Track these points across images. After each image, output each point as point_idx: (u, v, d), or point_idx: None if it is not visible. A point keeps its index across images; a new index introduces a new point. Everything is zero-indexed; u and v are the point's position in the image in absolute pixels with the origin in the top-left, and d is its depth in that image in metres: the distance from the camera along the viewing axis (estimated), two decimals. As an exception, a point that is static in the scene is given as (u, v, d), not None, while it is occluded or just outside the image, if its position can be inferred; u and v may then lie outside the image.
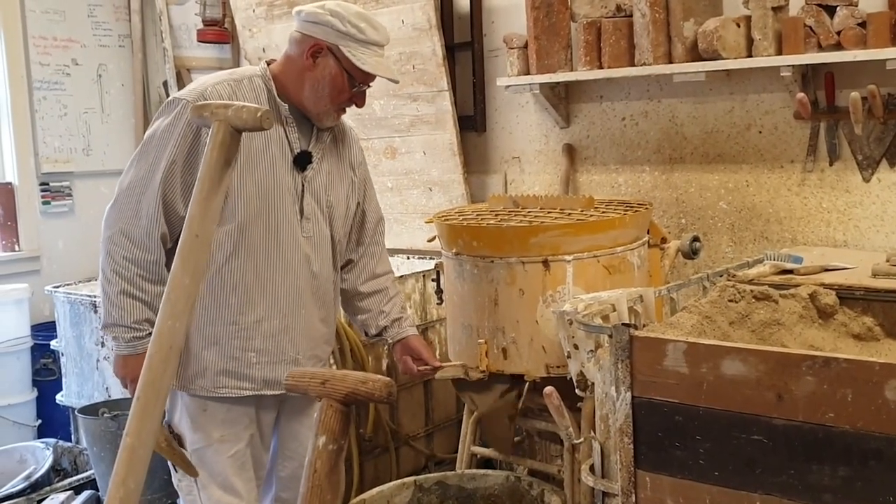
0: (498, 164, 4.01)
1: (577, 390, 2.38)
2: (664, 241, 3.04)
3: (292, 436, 2.54)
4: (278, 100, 2.32)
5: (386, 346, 3.00)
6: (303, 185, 2.35)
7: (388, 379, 1.94)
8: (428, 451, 3.74)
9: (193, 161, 2.20)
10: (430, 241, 3.01)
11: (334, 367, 3.27)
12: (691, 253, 3.11)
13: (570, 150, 3.76)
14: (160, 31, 5.07)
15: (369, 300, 2.63)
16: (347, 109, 2.42)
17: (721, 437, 1.95)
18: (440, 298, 3.01)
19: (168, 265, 2.27)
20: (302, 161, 2.34)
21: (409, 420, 3.67)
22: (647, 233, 2.93)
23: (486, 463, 3.16)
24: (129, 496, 1.46)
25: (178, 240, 2.23)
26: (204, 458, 2.34)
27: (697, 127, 3.45)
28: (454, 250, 2.82)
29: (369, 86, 2.36)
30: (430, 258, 3.29)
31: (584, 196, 2.96)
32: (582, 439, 2.33)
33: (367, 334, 2.70)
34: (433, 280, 3.02)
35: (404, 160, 4.03)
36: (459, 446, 3.04)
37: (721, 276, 2.68)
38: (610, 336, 2.17)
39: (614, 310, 2.42)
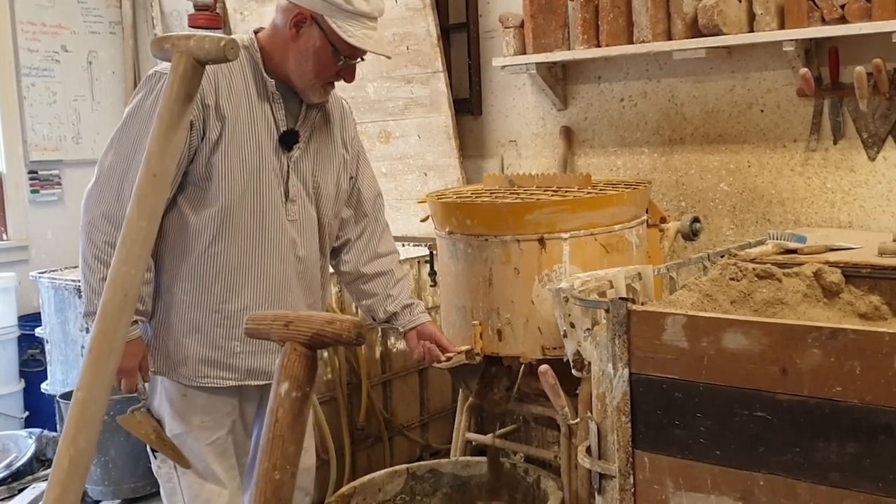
0: (494, 147, 3.94)
1: (573, 370, 2.30)
2: (663, 220, 2.96)
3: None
4: (265, 74, 2.22)
5: (397, 334, 2.86)
6: (288, 166, 2.26)
7: (357, 319, 1.84)
8: (423, 441, 3.66)
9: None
10: (423, 220, 2.92)
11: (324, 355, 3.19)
12: (691, 234, 3.03)
13: (568, 133, 3.69)
14: (151, 17, 4.99)
15: (374, 283, 2.52)
16: (337, 85, 2.31)
17: (722, 415, 1.89)
18: (433, 280, 2.92)
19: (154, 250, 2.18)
20: (288, 140, 2.24)
21: (403, 409, 3.59)
22: (646, 212, 2.85)
23: (483, 451, 3.07)
24: (80, 456, 1.36)
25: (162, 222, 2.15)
26: (183, 445, 2.26)
27: (697, 107, 3.39)
28: (447, 229, 2.74)
29: (362, 59, 2.25)
30: (426, 245, 3.20)
31: (581, 174, 2.87)
32: (578, 420, 2.25)
33: (374, 319, 2.59)
34: (426, 261, 2.94)
35: (398, 144, 3.95)
36: (454, 433, 2.96)
37: (722, 256, 2.60)
38: (607, 311, 2.10)
39: (612, 287, 2.35)
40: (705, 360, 1.91)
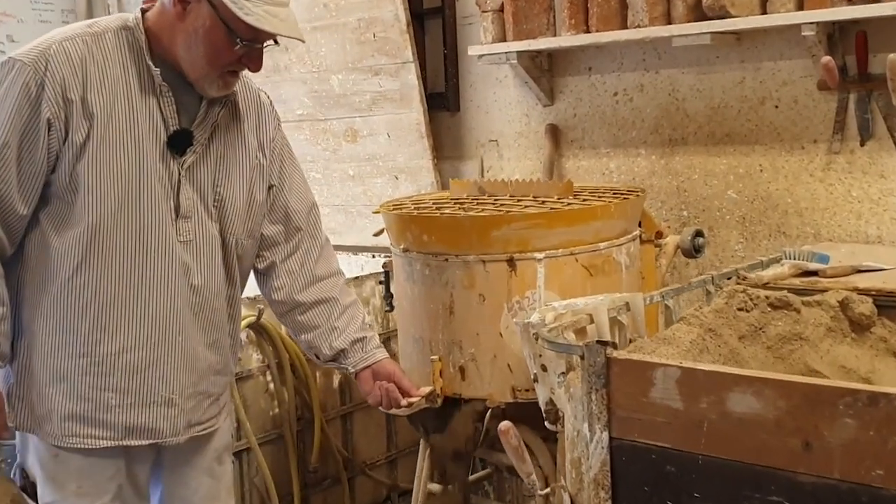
0: (473, 148, 3.54)
1: (546, 423, 1.88)
2: (660, 235, 2.54)
3: (181, 482, 2.04)
4: (149, 61, 1.80)
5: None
6: (179, 175, 1.84)
7: None
8: (390, 480, 3.23)
9: (34, 143, 1.70)
10: (376, 234, 2.50)
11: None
12: (693, 250, 2.62)
13: (555, 132, 3.28)
14: (108, 4, 4.59)
15: (314, 313, 2.11)
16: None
17: (727, 498, 1.52)
18: (389, 304, 2.50)
19: (9, 280, 1.78)
20: (178, 143, 1.83)
21: (366, 445, 3.17)
22: (640, 225, 2.43)
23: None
24: None
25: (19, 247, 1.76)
26: (57, 517, 1.86)
27: (702, 102, 3.01)
28: (402, 246, 2.32)
29: (275, 42, 1.83)
30: (382, 262, 2.77)
31: (562, 181, 2.45)
32: (548, 490, 1.82)
33: (318, 358, 2.18)
34: (380, 282, 2.52)
35: (367, 144, 3.55)
36: (415, 483, 2.54)
37: (729, 278, 2.22)
38: (581, 357, 1.68)
39: (592, 321, 1.94)
40: (705, 425, 1.53)
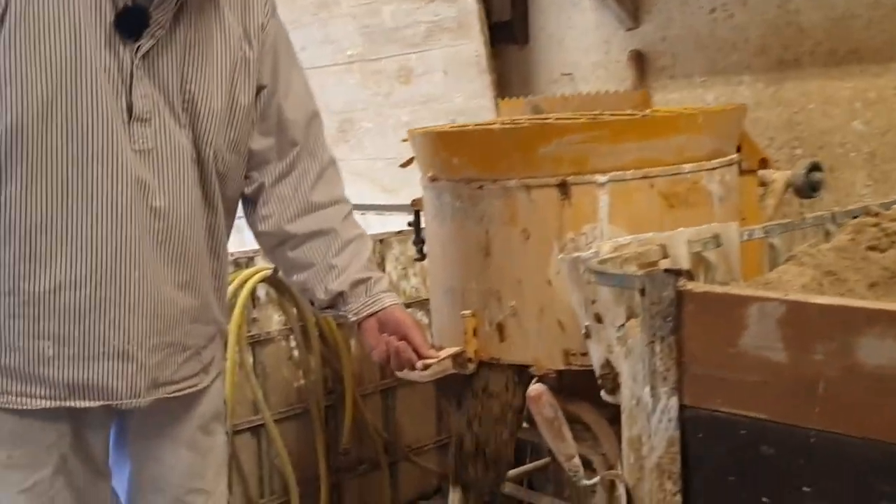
0: (544, 84, 3.14)
1: (603, 393, 1.41)
2: (765, 163, 2.02)
3: (152, 456, 1.64)
4: None
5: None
6: (132, 66, 1.43)
7: None
8: (441, 469, 2.79)
9: None
10: (403, 165, 2.04)
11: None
12: (808, 188, 2.12)
13: (640, 59, 2.86)
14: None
15: (306, 248, 1.68)
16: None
17: (852, 493, 1.03)
18: (420, 252, 2.05)
19: None
20: (129, 23, 1.42)
21: (411, 426, 2.74)
22: (738, 150, 1.91)
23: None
24: None
25: None
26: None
27: (821, 12, 2.53)
28: (430, 173, 1.86)
29: None
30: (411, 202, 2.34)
31: (638, 91, 1.95)
32: (596, 480, 1.33)
33: (312, 304, 1.75)
34: (409, 224, 2.07)
35: (421, 84, 3.17)
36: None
37: (856, 216, 1.71)
38: (642, 293, 1.20)
39: (665, 256, 1.45)
40: (821, 387, 1.05)
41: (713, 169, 1.79)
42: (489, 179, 1.73)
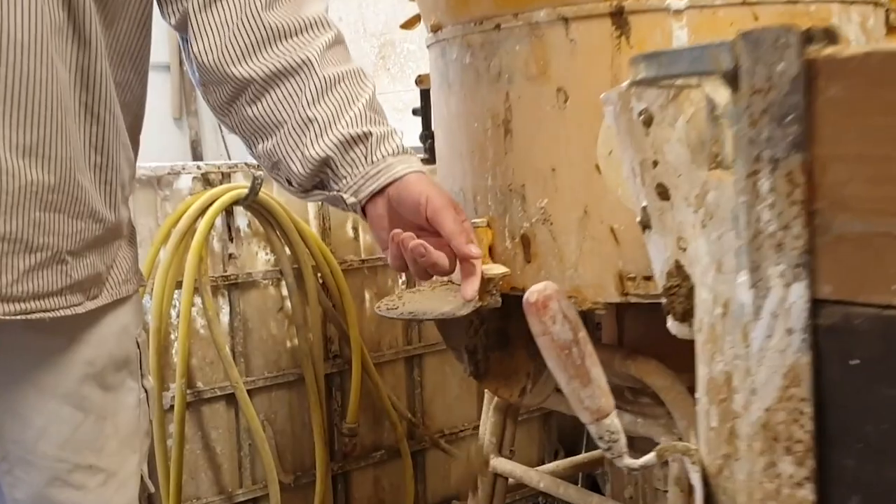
0: None
1: (669, 322, 0.81)
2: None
3: (15, 413, 1.11)
4: None
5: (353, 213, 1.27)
6: None
7: None
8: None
9: None
10: (404, 26, 1.47)
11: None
12: None
13: None
14: None
15: (270, 98, 1.08)
16: None
17: None
18: (428, 151, 1.49)
19: None
20: None
21: (443, 405, 2.17)
22: (890, -7, 1.29)
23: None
24: None
25: None
26: None
27: None
28: (432, 21, 1.29)
29: None
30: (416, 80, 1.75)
31: None
32: (647, 460, 0.74)
33: (291, 185, 1.16)
34: (413, 112, 1.50)
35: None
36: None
37: None
38: (733, 77, 0.60)
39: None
40: None
41: (850, 3, 1.18)
42: (510, 13, 1.16)
